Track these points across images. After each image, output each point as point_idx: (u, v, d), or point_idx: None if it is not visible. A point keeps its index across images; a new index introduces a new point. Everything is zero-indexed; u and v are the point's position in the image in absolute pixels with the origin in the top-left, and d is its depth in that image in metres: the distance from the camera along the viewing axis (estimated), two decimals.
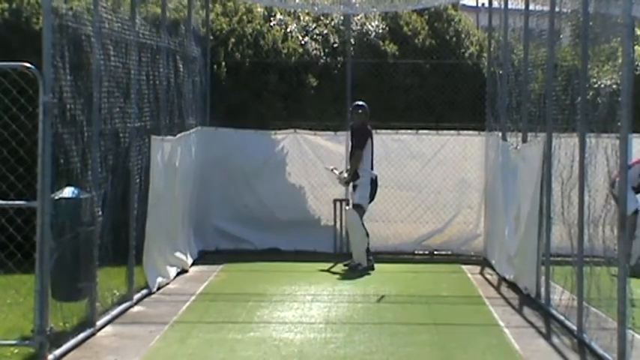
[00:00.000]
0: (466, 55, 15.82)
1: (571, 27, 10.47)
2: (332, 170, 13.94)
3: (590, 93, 8.99)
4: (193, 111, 13.77)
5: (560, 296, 9.87)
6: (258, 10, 15.76)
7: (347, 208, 13.91)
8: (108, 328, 9.24)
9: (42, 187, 7.67)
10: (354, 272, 12.98)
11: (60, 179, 8.40)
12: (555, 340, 9.14)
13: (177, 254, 12.39)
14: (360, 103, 13.59)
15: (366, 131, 13.40)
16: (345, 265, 13.32)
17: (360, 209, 13.35)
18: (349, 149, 13.72)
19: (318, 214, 14.71)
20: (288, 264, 13.52)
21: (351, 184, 13.55)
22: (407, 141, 14.72)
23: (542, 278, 10.51)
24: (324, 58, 15.41)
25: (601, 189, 8.77)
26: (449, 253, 14.66)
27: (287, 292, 11.48)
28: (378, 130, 14.23)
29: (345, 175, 13.65)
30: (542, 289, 10.50)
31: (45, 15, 7.83)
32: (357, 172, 13.33)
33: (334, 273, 13.01)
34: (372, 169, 13.41)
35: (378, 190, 13.54)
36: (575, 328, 9.10)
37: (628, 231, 8.45)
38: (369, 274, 12.92)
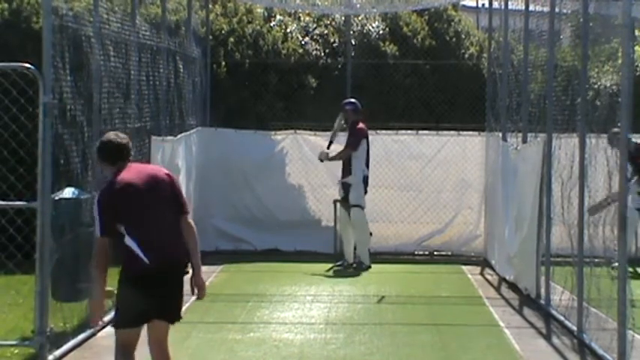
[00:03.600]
0: (466, 55, 15.83)
1: (571, 28, 10.47)
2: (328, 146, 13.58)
3: (590, 93, 8.99)
4: (193, 111, 13.77)
5: (560, 297, 9.87)
6: (258, 10, 15.76)
7: (339, 204, 13.56)
8: (108, 329, 9.20)
9: (42, 187, 7.67)
10: (357, 271, 13.03)
11: (60, 180, 8.40)
12: (555, 340, 9.14)
13: None
14: (352, 100, 13.51)
15: (361, 131, 13.30)
16: (337, 266, 13.30)
17: (360, 208, 13.31)
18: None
19: (318, 215, 14.69)
20: (288, 264, 13.51)
21: (341, 182, 13.37)
22: (407, 141, 14.70)
23: (543, 279, 10.51)
24: (324, 58, 15.41)
25: (601, 189, 8.77)
26: (449, 253, 14.64)
27: (287, 292, 11.47)
28: (378, 131, 14.22)
29: (329, 153, 13.39)
30: (543, 290, 10.50)
31: (45, 15, 7.83)
32: (350, 169, 13.19)
33: (334, 273, 13.01)
34: (367, 168, 13.33)
35: (379, 190, 13.51)
36: (575, 328, 9.10)
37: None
38: (365, 274, 12.91)
